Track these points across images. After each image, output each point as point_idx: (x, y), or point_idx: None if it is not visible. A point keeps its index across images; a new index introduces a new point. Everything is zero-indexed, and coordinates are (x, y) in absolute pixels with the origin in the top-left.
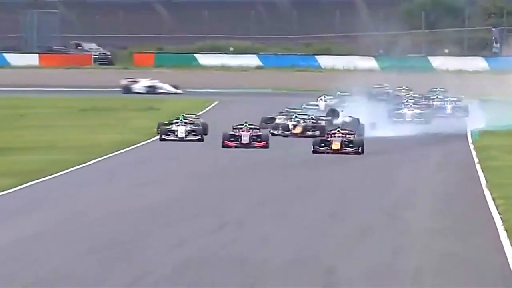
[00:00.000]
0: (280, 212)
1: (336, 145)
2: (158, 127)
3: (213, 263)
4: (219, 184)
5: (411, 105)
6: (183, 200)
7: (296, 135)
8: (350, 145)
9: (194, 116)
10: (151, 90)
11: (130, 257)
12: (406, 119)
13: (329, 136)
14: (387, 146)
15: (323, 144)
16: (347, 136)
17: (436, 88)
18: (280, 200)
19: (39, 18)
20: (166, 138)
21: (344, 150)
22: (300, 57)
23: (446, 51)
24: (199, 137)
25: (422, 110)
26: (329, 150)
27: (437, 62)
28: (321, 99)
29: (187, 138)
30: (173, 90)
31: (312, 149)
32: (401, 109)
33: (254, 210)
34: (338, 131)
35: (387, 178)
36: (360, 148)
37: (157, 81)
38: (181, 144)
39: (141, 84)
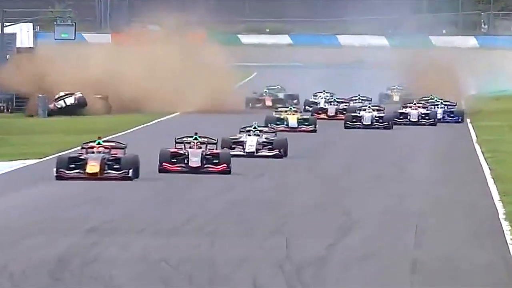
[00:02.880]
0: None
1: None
2: None
3: (254, 204)
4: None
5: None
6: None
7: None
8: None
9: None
10: None
11: (188, 200)
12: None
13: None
14: None
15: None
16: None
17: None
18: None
19: (111, 3)
20: None
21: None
22: (324, 36)
23: (444, 31)
24: None
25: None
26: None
27: (436, 40)
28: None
29: None
30: None
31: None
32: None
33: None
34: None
35: None
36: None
37: None
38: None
39: None
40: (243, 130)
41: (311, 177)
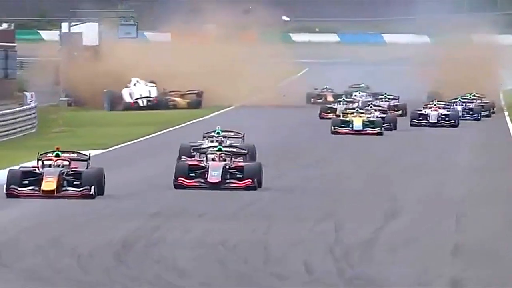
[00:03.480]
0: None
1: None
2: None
3: (303, 192)
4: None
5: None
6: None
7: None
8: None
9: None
10: None
11: (238, 192)
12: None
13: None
14: None
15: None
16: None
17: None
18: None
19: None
20: None
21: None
22: (370, 35)
23: (483, 30)
24: None
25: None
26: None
27: (476, 38)
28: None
29: None
30: None
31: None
32: None
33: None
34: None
35: None
36: None
37: None
38: None
39: None
40: (206, 135)
41: (355, 166)
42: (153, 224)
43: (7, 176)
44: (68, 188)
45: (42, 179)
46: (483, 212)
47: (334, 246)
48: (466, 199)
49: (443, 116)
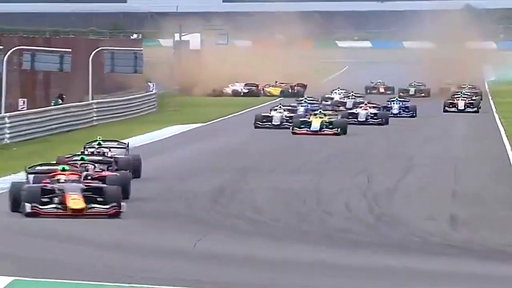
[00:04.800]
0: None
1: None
2: None
3: (345, 154)
4: None
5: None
6: None
7: None
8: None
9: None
10: None
11: (297, 154)
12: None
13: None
14: None
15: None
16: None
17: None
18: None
19: (253, 18)
20: None
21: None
22: (393, 42)
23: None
24: None
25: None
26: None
27: (467, 44)
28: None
29: None
30: None
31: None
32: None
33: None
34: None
35: None
36: None
37: None
38: None
39: None
40: (87, 146)
41: (382, 138)
42: (239, 176)
43: (27, 194)
44: (94, 205)
45: (63, 196)
46: (474, 167)
47: (366, 192)
48: (462, 158)
49: (372, 115)
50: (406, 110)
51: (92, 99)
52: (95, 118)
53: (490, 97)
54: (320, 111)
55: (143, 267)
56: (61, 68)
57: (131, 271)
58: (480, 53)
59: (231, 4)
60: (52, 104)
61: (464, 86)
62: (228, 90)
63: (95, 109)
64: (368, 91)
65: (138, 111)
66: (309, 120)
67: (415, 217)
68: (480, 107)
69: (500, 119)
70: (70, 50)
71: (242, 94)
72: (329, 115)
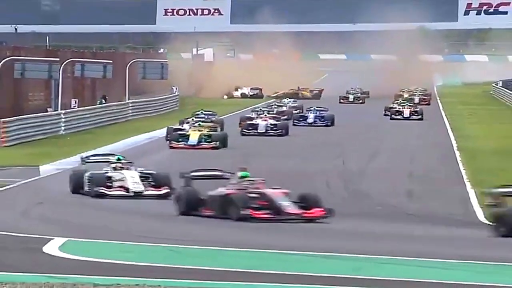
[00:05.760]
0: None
1: None
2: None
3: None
4: None
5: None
6: None
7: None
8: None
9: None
10: None
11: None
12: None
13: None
14: None
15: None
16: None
17: None
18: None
19: (253, 36)
20: None
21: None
22: (361, 55)
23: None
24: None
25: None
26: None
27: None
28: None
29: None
30: None
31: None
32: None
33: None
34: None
35: None
36: None
37: None
38: None
39: None
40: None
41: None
42: (240, 160)
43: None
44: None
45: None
46: (426, 154)
47: (342, 172)
48: (416, 145)
49: (271, 126)
50: (322, 119)
51: (128, 99)
52: (130, 114)
53: (437, 98)
54: (199, 124)
55: (182, 231)
56: (105, 75)
57: (171, 235)
58: (430, 64)
59: (237, 25)
60: (97, 103)
61: (417, 89)
62: (237, 93)
63: (131, 107)
64: (342, 100)
65: (164, 109)
66: (187, 134)
67: (380, 192)
68: (422, 116)
69: (446, 115)
70: (111, 61)
71: (249, 96)
72: (209, 127)
